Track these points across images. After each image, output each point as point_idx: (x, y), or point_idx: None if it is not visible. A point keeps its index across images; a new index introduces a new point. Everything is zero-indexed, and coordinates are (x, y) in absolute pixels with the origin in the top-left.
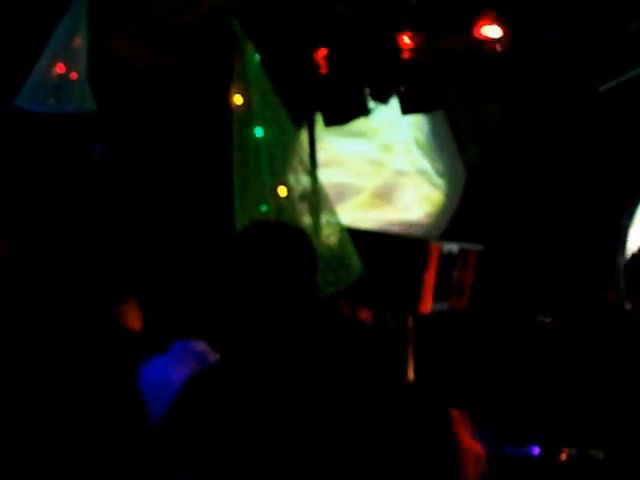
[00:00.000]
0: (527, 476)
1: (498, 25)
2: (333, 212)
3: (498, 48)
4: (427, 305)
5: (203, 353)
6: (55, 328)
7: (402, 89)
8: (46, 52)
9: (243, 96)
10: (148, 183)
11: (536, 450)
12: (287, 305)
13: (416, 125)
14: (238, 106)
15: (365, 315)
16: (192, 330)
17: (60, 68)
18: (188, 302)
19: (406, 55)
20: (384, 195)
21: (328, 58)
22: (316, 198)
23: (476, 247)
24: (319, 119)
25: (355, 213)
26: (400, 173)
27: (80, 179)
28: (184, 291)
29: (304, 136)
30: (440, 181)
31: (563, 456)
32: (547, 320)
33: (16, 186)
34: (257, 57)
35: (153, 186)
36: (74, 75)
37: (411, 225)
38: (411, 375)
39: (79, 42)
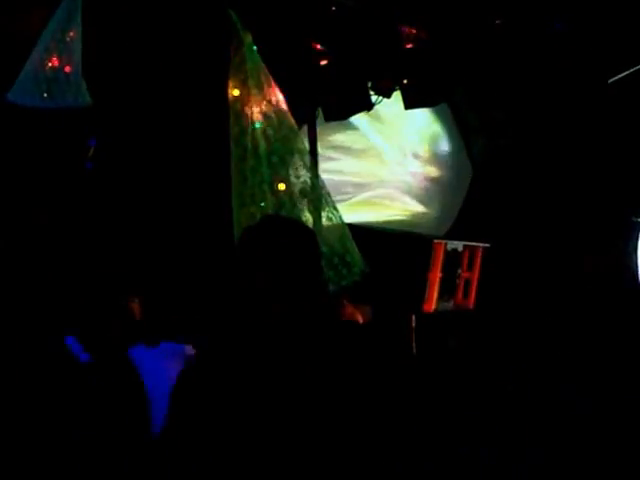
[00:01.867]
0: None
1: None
2: (334, 208)
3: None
4: (431, 304)
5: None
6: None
7: (405, 82)
8: (39, 45)
9: (240, 88)
10: (144, 178)
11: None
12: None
13: (421, 120)
14: (235, 98)
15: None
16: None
17: (54, 61)
18: (183, 298)
19: (409, 47)
20: (389, 192)
21: (329, 50)
22: (316, 194)
23: (483, 245)
24: (320, 113)
25: (359, 210)
26: (405, 170)
27: (75, 174)
28: (180, 286)
29: (304, 130)
30: (446, 178)
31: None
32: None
33: (10, 181)
34: (255, 49)
35: (149, 181)
36: (68, 69)
37: (416, 222)
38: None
39: (74, 35)
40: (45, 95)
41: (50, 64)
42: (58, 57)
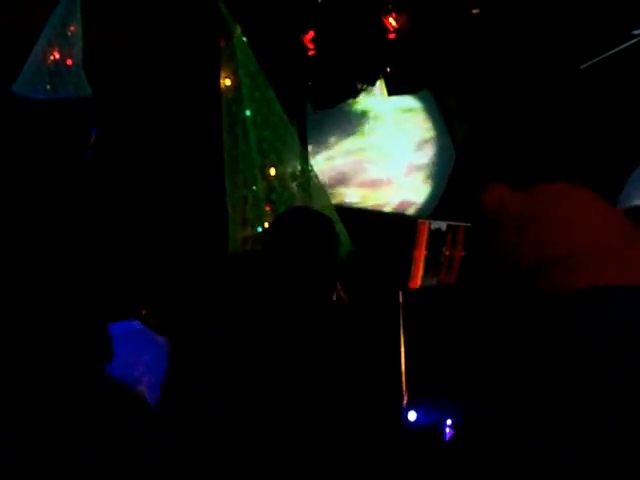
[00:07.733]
0: None
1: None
2: (324, 193)
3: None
4: (417, 280)
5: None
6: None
7: (387, 70)
8: (41, 39)
9: (231, 78)
10: (141, 166)
11: None
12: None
13: (405, 106)
14: (227, 88)
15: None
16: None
17: (55, 55)
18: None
19: (391, 37)
20: (378, 177)
21: (315, 40)
22: (306, 178)
23: (464, 224)
24: (308, 102)
25: (351, 196)
26: (391, 155)
27: (76, 164)
28: (170, 268)
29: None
30: (430, 161)
31: None
32: None
33: (11, 172)
34: (244, 39)
35: (146, 168)
36: (69, 61)
37: (403, 205)
38: (403, 351)
39: (74, 29)
40: (48, 87)
41: (52, 57)
42: (60, 51)
